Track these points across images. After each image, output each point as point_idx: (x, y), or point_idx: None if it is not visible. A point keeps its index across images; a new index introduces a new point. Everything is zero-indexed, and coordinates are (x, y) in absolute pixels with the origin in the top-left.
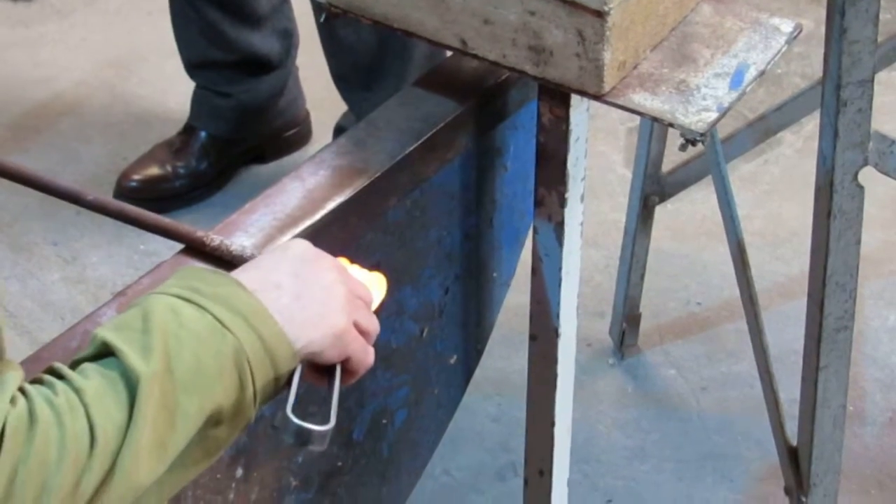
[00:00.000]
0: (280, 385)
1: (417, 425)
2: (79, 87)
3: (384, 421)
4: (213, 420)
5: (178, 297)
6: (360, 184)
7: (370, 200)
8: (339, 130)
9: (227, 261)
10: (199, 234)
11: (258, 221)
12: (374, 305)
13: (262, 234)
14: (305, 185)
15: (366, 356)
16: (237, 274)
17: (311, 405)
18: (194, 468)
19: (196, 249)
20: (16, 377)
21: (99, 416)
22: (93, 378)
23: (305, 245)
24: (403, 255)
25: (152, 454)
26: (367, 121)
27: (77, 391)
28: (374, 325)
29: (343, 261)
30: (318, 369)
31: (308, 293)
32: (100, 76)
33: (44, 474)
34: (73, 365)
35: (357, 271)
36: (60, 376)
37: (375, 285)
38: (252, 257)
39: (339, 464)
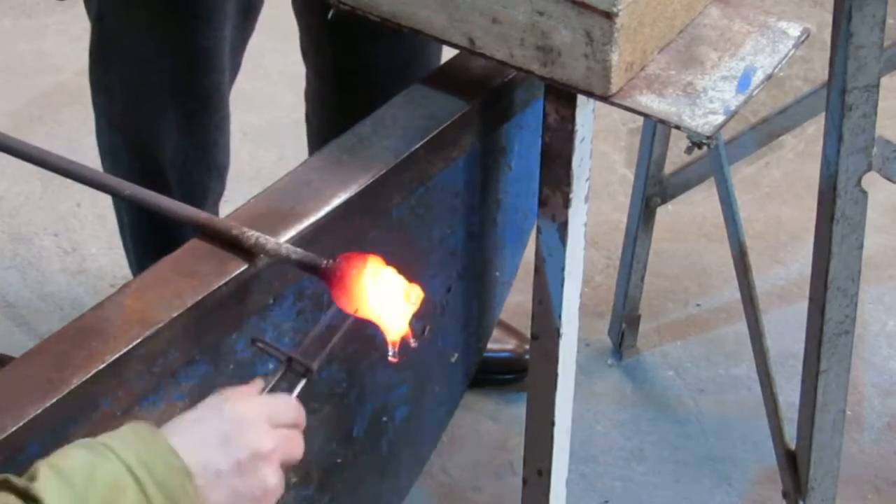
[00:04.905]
0: None
1: (417, 422)
2: (81, 77)
3: (384, 418)
4: None
5: (130, 469)
6: (364, 181)
7: (375, 198)
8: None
9: (236, 245)
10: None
11: (262, 217)
12: (406, 317)
13: (266, 230)
14: (310, 181)
15: None
16: (183, 440)
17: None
18: None
19: (209, 235)
20: None
21: None
22: None
23: (237, 409)
24: (407, 253)
25: None
26: (372, 118)
27: None
28: (298, 457)
29: (388, 270)
30: None
31: (244, 485)
32: None
33: None
34: (4, 484)
35: (396, 281)
36: None
37: (411, 297)
38: (257, 243)
39: (339, 460)
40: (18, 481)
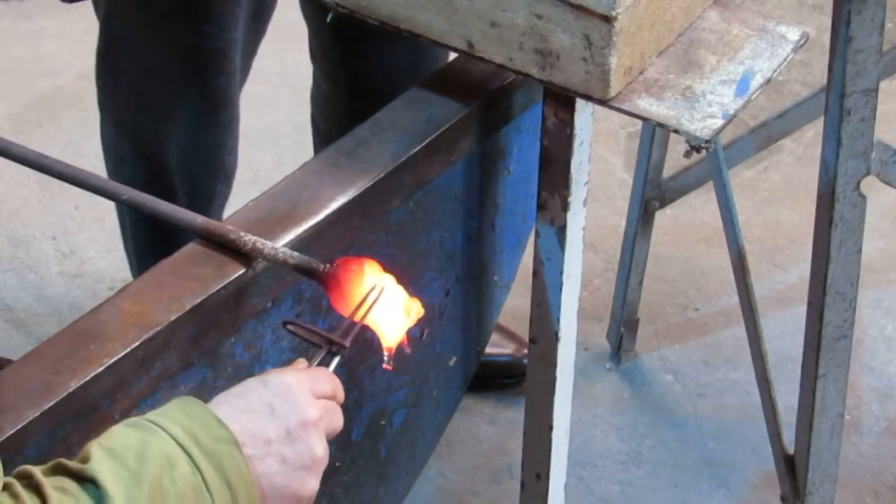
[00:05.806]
0: None
1: (416, 426)
2: (80, 80)
3: (383, 422)
4: None
5: (178, 443)
6: (363, 184)
7: (373, 201)
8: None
9: (234, 249)
10: (212, 224)
11: (260, 220)
12: (402, 330)
13: (265, 233)
14: (308, 184)
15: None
16: (229, 411)
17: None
18: None
19: (207, 238)
20: None
21: None
22: None
23: (281, 379)
24: (405, 257)
25: None
26: (371, 121)
27: None
28: (339, 428)
29: (387, 277)
30: None
31: (293, 453)
32: None
33: None
34: (58, 468)
35: (397, 294)
36: (41, 493)
37: (412, 312)
38: (255, 247)
39: (337, 464)
40: (72, 464)
